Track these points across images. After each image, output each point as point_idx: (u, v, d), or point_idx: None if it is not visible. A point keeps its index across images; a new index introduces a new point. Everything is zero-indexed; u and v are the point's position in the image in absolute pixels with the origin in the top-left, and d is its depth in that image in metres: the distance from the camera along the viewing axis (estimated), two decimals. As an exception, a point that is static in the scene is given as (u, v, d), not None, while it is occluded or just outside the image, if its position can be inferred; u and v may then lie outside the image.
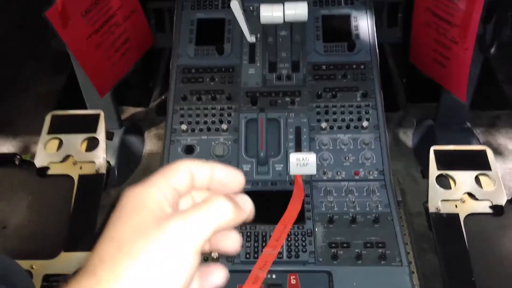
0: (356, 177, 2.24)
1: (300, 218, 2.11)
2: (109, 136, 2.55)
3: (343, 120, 2.36)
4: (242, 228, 2.24)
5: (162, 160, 2.26)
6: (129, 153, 2.95)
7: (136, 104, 3.30)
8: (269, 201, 2.15)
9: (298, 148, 2.29)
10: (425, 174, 2.35)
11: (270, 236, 2.14)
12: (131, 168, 2.96)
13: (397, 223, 2.23)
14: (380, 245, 2.11)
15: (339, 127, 2.34)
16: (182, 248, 0.63)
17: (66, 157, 2.21)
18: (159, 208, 0.66)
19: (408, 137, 3.20)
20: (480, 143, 2.88)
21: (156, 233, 0.62)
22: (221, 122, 2.38)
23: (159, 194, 0.67)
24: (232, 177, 0.75)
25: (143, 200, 0.66)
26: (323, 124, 2.33)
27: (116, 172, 2.75)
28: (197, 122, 2.39)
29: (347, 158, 2.28)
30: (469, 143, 2.80)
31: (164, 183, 0.69)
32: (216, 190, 0.74)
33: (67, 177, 2.15)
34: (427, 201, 2.16)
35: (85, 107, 2.72)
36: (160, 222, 0.64)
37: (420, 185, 2.75)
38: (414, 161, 3.05)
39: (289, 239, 2.16)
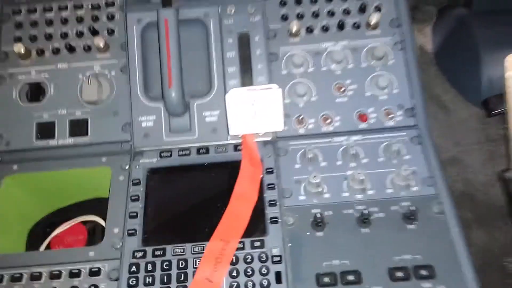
0: (363, 126, 1.29)
1: (255, 223, 1.16)
2: None
3: (331, 13, 1.38)
4: (138, 256, 1.13)
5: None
6: None
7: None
8: (193, 188, 1.25)
9: (246, 77, 1.32)
10: (490, 106, 1.57)
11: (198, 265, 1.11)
12: None
13: (454, 220, 1.13)
14: (423, 272, 1.06)
15: (324, 28, 1.36)
16: None
17: None
18: None
19: (425, 36, 2.20)
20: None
21: None
22: (93, 33, 1.38)
23: None
24: None
25: None
26: (294, 25, 1.33)
27: None
28: (48, 37, 1.38)
29: (342, 89, 1.32)
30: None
31: None
32: None
33: None
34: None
35: None
36: None
37: (452, 126, 1.95)
38: (436, 75, 2.10)
39: (234, 271, 1.10)
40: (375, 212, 1.15)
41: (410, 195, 1.17)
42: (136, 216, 1.17)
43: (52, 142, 1.29)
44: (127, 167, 1.25)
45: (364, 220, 1.13)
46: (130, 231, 1.15)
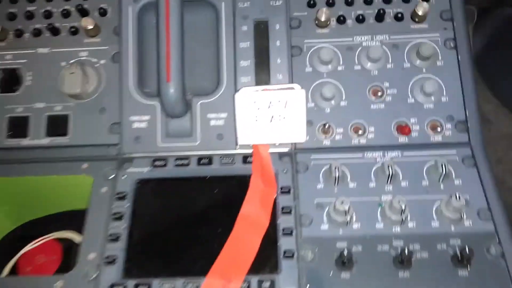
0: (403, 140, 1.07)
1: (265, 257, 0.95)
2: None
3: (368, 1, 1.17)
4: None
5: None
6: None
7: None
8: (190, 207, 1.04)
9: (262, 74, 1.11)
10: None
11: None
12: None
13: None
14: None
15: (360, 19, 1.15)
16: None
17: None
18: None
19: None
20: None
21: None
22: (82, 13, 1.18)
23: None
24: None
25: None
26: (323, 13, 1.13)
27: None
28: (29, 16, 1.19)
29: (378, 93, 1.10)
30: None
31: None
32: None
33: None
34: None
35: None
36: None
37: (493, 141, 1.76)
38: (478, 82, 1.87)
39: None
40: (417, 251, 0.94)
41: (461, 230, 0.96)
42: (117, 239, 0.96)
43: (24, 142, 1.11)
44: (111, 177, 1.04)
45: (402, 260, 0.91)
46: (108, 258, 0.94)
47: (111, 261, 0.94)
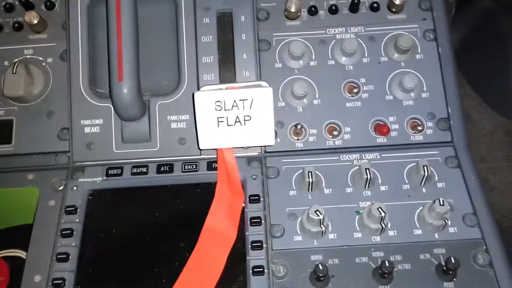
0: (382, 140, 0.99)
1: (232, 273, 0.87)
2: None
3: None
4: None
5: None
6: None
7: None
8: (148, 220, 0.94)
9: (227, 71, 1.04)
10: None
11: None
12: None
13: (505, 277, 0.86)
14: None
15: (333, 9, 1.07)
16: None
17: None
18: None
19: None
20: None
21: None
22: (26, 6, 1.07)
23: None
24: None
25: None
26: (293, 4, 1.05)
27: None
28: None
29: (354, 89, 1.02)
30: None
31: None
32: None
33: None
34: None
35: None
36: None
37: (475, 139, 1.75)
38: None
39: None
40: (398, 262, 0.87)
41: (445, 238, 0.89)
42: (66, 259, 0.87)
43: None
44: (60, 188, 0.94)
45: (383, 272, 0.84)
46: (56, 281, 0.86)
47: (59, 284, 0.85)
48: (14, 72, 0.98)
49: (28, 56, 1.03)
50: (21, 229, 1.06)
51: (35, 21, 1.01)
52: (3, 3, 1.07)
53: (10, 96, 0.99)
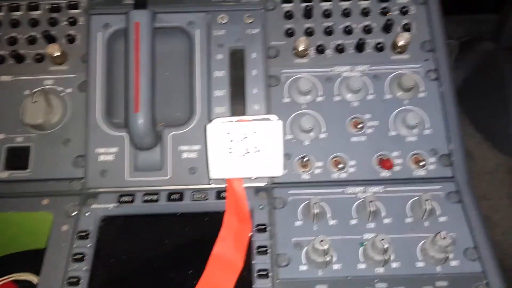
0: (385, 174, 1.02)
1: None
2: None
3: (348, 31, 1.13)
4: None
5: None
6: None
7: None
8: (158, 246, 0.95)
9: (238, 104, 1.06)
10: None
11: None
12: None
13: None
14: None
15: (339, 49, 1.11)
16: None
17: None
18: None
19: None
20: None
21: None
22: (49, 39, 1.11)
23: None
24: None
25: None
26: (301, 42, 1.09)
27: None
28: None
29: (359, 125, 1.05)
30: None
31: None
32: None
33: None
34: None
35: None
36: None
37: (477, 177, 1.72)
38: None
39: None
40: None
41: (447, 271, 0.90)
42: (77, 283, 0.88)
43: None
44: (74, 214, 0.96)
45: None
46: None
47: None
48: (35, 101, 1.02)
49: (48, 86, 1.06)
50: (33, 254, 1.08)
51: (57, 54, 1.05)
52: (26, 36, 1.10)
53: (30, 123, 1.02)
